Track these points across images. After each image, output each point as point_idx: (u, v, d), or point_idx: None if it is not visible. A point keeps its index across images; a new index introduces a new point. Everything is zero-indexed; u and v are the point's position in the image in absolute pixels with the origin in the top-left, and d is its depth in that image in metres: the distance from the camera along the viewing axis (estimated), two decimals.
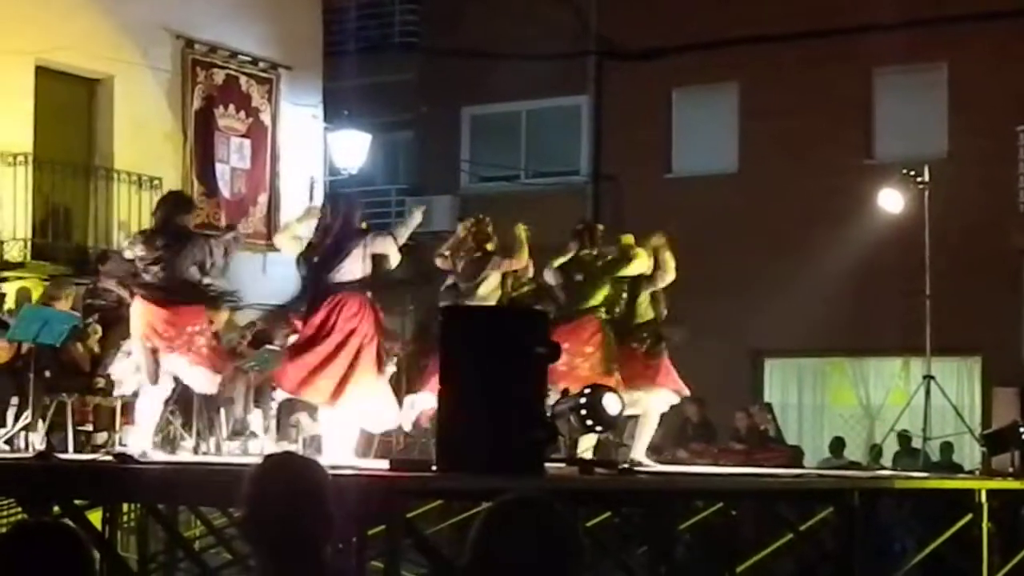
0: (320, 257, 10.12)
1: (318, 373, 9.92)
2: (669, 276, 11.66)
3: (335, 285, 10.00)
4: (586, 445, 10.40)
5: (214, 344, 10.76)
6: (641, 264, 11.44)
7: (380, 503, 7.22)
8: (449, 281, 11.66)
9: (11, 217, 16.78)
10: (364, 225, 10.54)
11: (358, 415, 10.11)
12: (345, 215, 10.29)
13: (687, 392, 11.87)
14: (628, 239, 11.65)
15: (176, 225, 10.58)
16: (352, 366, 9.90)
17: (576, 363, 10.78)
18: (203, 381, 10.75)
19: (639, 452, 11.63)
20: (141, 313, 10.53)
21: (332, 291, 9.98)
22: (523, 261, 11.46)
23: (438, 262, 11.78)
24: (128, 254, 10.91)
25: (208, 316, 10.62)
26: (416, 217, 10.71)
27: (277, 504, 3.76)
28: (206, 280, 10.54)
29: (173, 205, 10.90)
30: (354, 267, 10.04)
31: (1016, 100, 19.48)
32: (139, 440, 10.48)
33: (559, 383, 9.84)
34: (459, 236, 11.77)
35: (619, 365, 11.12)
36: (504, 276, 11.47)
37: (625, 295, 11.54)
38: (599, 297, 11.26)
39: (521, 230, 11.45)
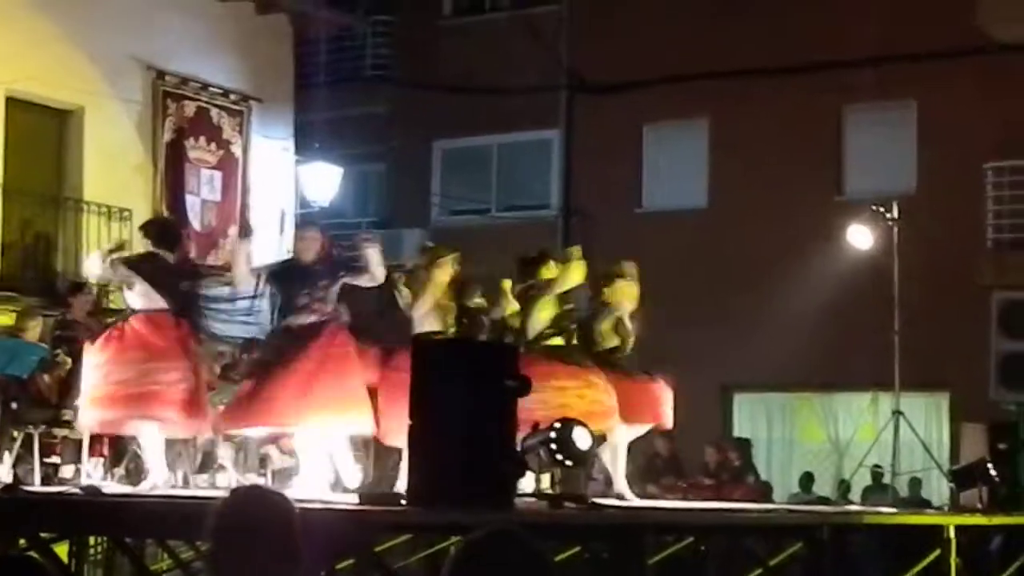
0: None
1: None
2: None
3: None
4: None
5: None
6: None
7: (349, 537, 7.19)
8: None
9: None
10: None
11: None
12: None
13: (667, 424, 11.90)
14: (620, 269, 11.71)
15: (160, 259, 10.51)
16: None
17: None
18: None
19: (623, 485, 11.65)
20: None
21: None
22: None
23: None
24: (99, 274, 10.77)
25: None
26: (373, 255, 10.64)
27: (243, 538, 3.73)
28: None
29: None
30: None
31: (985, 137, 19.61)
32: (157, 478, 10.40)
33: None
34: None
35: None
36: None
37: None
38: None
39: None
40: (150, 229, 10.81)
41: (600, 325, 11.61)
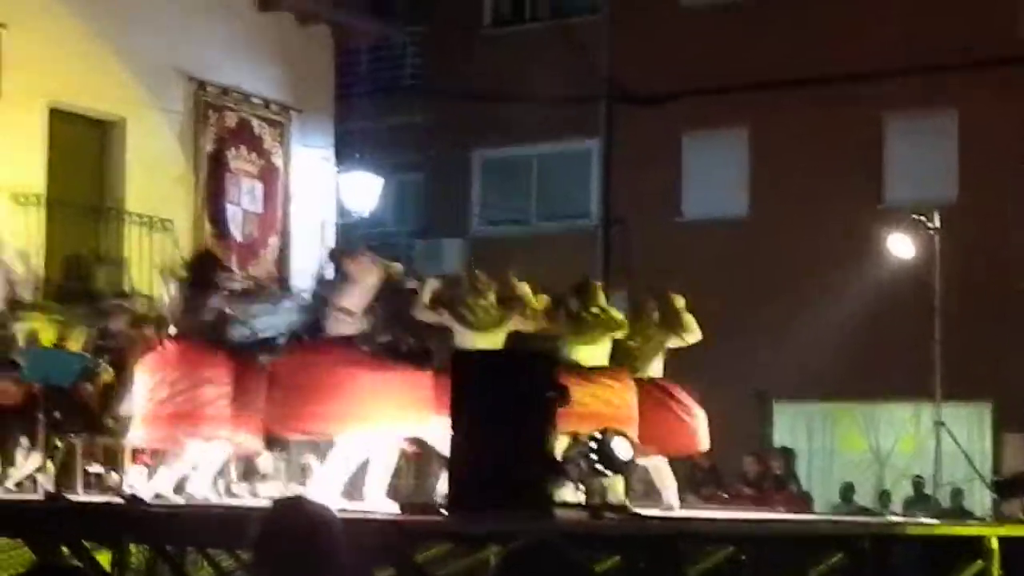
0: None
1: None
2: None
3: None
4: (617, 489, 10.36)
5: None
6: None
7: (390, 546, 7.21)
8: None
9: (23, 258, 16.81)
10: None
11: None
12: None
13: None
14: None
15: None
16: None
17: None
18: None
19: (673, 497, 11.69)
20: None
21: None
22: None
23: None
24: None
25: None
26: (431, 283, 10.86)
27: (286, 548, 3.75)
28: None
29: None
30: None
31: None
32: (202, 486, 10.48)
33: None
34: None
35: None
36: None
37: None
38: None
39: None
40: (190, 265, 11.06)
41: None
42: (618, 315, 11.44)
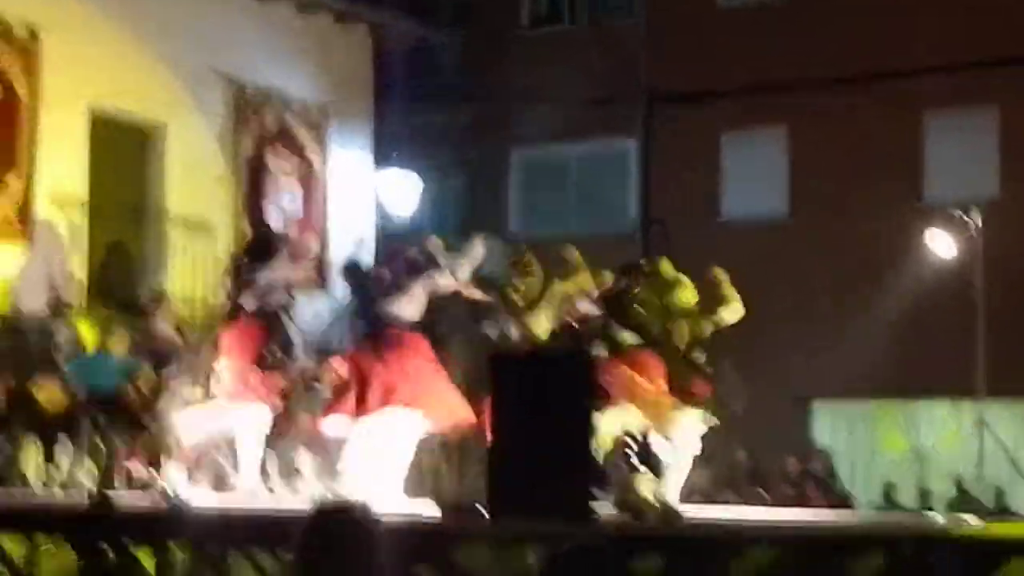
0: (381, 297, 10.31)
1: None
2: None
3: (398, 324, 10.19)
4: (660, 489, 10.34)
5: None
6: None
7: (431, 548, 7.24)
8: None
9: (67, 262, 16.93)
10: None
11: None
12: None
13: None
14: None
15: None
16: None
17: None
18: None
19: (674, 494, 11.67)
20: None
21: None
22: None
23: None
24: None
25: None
26: (477, 249, 10.74)
27: (328, 554, 3.78)
28: None
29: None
30: (411, 306, 10.23)
31: None
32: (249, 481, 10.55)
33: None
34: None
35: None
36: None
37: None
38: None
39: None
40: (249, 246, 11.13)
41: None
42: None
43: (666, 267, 11.54)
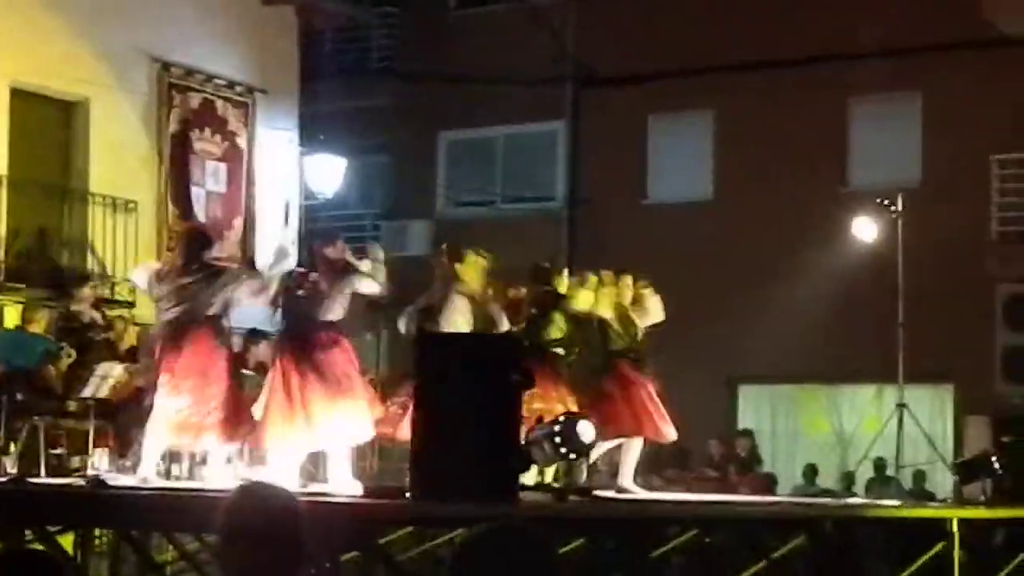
0: (306, 297, 10.20)
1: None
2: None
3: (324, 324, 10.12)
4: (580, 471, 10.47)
5: None
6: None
7: (354, 530, 7.21)
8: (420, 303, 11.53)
9: None
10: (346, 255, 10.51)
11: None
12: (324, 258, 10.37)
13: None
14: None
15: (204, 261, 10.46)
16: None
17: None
18: None
19: (627, 479, 11.75)
20: None
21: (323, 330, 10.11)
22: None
23: None
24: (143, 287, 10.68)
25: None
26: (379, 255, 10.65)
27: (250, 532, 3.76)
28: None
29: (197, 242, 10.75)
30: (337, 307, 10.17)
31: (990, 129, 19.59)
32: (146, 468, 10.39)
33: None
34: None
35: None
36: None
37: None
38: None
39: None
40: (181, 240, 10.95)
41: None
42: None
43: (560, 282, 11.73)
